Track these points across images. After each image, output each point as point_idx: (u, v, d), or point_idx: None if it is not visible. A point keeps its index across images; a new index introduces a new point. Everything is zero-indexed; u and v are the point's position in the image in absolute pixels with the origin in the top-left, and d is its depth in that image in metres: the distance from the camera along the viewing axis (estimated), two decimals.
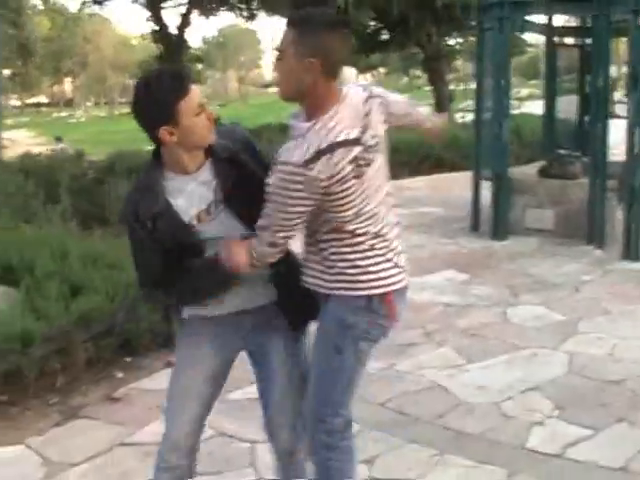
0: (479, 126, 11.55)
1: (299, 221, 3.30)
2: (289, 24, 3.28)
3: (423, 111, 3.97)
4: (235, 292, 3.55)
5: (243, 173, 3.47)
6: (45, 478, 4.97)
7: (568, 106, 13.08)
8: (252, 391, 5.80)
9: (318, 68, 3.20)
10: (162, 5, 17.88)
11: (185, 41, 19.22)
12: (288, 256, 3.54)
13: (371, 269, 3.40)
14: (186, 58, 21.33)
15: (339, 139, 3.19)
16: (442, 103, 24.43)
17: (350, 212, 3.31)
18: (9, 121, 65.65)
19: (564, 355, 6.56)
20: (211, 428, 5.33)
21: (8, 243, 7.81)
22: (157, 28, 18.41)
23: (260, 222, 3.33)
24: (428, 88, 49.53)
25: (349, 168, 3.20)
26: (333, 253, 3.40)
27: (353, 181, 3.24)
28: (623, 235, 9.73)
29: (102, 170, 14.12)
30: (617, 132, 10.39)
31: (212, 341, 3.69)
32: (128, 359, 6.82)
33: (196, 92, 3.36)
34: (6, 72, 59.44)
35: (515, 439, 5.15)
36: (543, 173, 10.97)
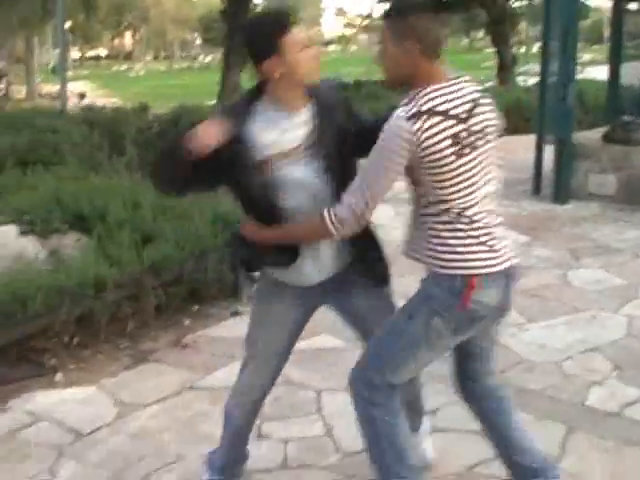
0: (544, 89, 11.53)
1: (388, 180, 3.35)
2: (383, 17, 3.43)
3: None
4: (316, 265, 3.72)
5: (340, 125, 3.57)
6: (117, 418, 5.17)
7: (633, 72, 13.03)
8: (319, 341, 6.02)
9: (416, 50, 3.29)
10: None
11: None
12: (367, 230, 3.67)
13: (459, 249, 3.40)
14: (251, 14, 21.42)
15: (439, 108, 3.26)
16: (505, 66, 24.32)
17: (447, 190, 3.35)
18: (70, 73, 66.12)
19: (623, 318, 6.63)
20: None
21: (79, 192, 7.98)
22: None
23: (352, 185, 3.40)
24: (489, 50, 49.09)
25: (447, 142, 3.26)
26: (430, 228, 3.45)
27: (452, 157, 3.28)
28: None
29: (166, 123, 14.27)
30: None
31: (294, 296, 3.83)
32: (195, 307, 7.01)
33: (298, 29, 3.48)
34: (67, 24, 59.89)
35: (574, 397, 5.27)
36: (606, 138, 10.96)
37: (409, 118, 3.22)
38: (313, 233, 3.55)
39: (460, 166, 3.31)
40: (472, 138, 3.31)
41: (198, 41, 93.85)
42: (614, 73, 13.01)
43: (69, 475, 4.55)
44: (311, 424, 5.00)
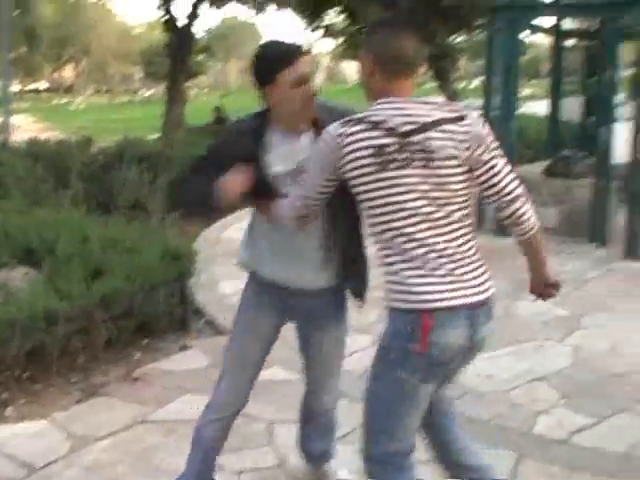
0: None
1: (316, 181, 3.42)
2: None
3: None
4: (279, 260, 3.88)
5: None
6: (71, 451, 5.15)
7: (572, 107, 13.31)
8: (271, 373, 6.06)
9: (371, 64, 3.31)
10: None
11: (192, 33, 19.39)
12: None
13: (403, 281, 3.27)
14: (195, 48, 21.52)
15: (372, 119, 3.22)
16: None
17: (372, 203, 3.28)
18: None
19: (568, 348, 6.79)
20: None
21: (26, 225, 7.98)
22: (166, 18, 18.54)
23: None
24: (429, 86, 49.46)
25: (369, 151, 3.19)
26: (379, 255, 3.38)
27: (372, 168, 3.20)
28: (625, 235, 9.94)
29: (111, 157, 14.23)
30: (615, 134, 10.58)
31: (271, 306, 4.04)
32: (145, 341, 7.02)
33: (301, 66, 3.58)
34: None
35: (523, 425, 5.38)
36: (548, 172, 11.18)
37: (340, 124, 3.26)
38: (272, 210, 3.71)
39: (382, 179, 3.21)
40: (405, 155, 3.18)
41: (139, 75, 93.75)
42: (554, 108, 13.27)
43: None
44: (264, 455, 5.04)
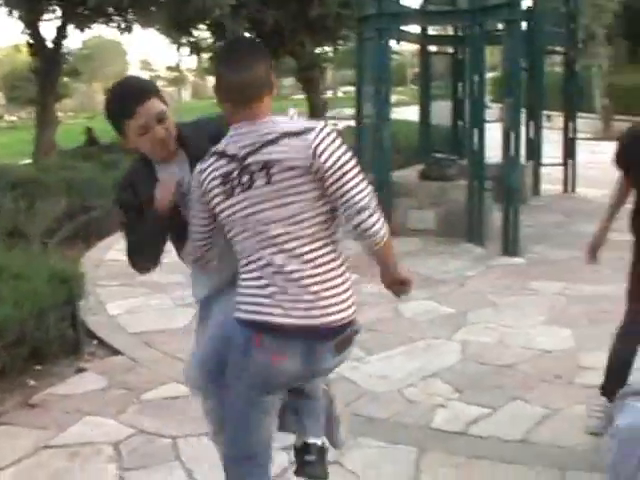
0: (360, 132, 11.95)
1: (195, 221, 3.57)
2: None
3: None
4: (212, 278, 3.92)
5: None
6: None
7: (440, 112, 13.64)
8: (166, 390, 6.12)
9: (218, 92, 3.38)
10: (39, 17, 17.77)
11: (62, 54, 19.12)
12: None
13: (241, 291, 3.43)
14: (64, 71, 21.22)
15: (219, 148, 3.37)
16: (317, 111, 24.89)
17: (230, 234, 3.44)
18: None
19: (457, 344, 6.99)
20: (131, 427, 5.59)
21: None
22: (32, 41, 18.29)
23: None
24: (297, 97, 49.71)
25: (217, 182, 3.34)
26: None
27: (221, 197, 3.35)
28: (501, 233, 10.25)
29: None
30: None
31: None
32: (38, 367, 6.95)
33: (142, 117, 3.64)
34: None
35: (421, 420, 5.54)
36: (423, 176, 11.46)
37: (201, 160, 3.44)
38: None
39: (232, 205, 3.33)
40: (246, 177, 3.28)
41: (1, 100, 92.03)
42: (424, 113, 13.59)
43: None
44: (172, 471, 5.06)
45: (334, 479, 4.72)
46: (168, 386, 6.19)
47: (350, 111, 35.70)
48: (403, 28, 12.56)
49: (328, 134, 3.26)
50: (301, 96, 31.41)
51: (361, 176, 3.32)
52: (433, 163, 11.64)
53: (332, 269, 3.42)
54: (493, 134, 10.97)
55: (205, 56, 29.28)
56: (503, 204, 10.32)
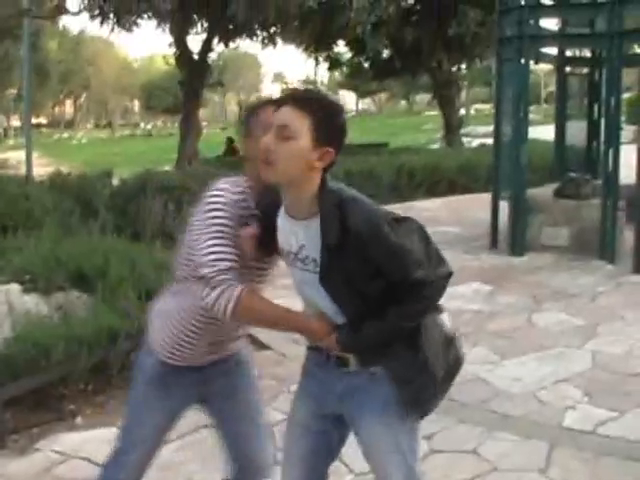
0: (498, 150, 12.31)
1: None
2: None
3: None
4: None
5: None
6: None
7: (574, 132, 13.88)
8: None
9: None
10: (188, 31, 18.65)
11: (208, 66, 19.94)
12: None
13: None
14: (209, 83, 22.09)
15: None
16: (452, 128, 25.28)
17: None
18: (11, 142, 66.02)
19: (587, 353, 7.36)
20: (283, 413, 6.07)
21: (76, 251, 8.50)
22: (179, 52, 19.13)
23: None
24: (428, 113, 50.13)
25: None
26: None
27: None
28: (633, 251, 10.51)
29: (133, 188, 14.73)
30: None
31: None
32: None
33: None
34: (12, 92, 60.14)
35: (552, 420, 5.94)
36: (558, 194, 11.77)
37: None
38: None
39: None
40: None
41: (138, 109, 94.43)
42: (559, 132, 13.86)
43: None
44: None
45: (470, 466, 5.21)
46: None
47: (482, 129, 36.00)
48: (541, 49, 12.89)
49: (209, 195, 3.31)
50: (433, 113, 31.76)
51: (210, 243, 3.23)
52: (568, 181, 11.93)
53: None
54: (627, 156, 11.22)
55: (339, 71, 29.99)
56: (635, 223, 10.56)
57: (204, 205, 3.28)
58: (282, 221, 3.19)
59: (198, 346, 3.61)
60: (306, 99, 3.03)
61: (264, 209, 3.29)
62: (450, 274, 3.09)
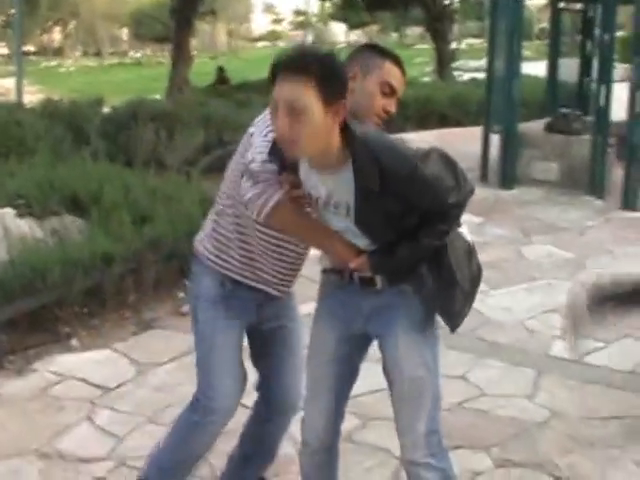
0: (491, 84, 12.32)
1: None
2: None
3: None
4: None
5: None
6: (137, 375, 5.80)
7: (567, 68, 13.88)
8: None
9: None
10: None
11: None
12: None
13: None
14: (200, 11, 21.92)
15: None
16: (444, 62, 25.23)
17: None
18: None
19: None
20: None
21: (70, 176, 8.53)
22: None
23: None
24: (419, 47, 49.84)
25: None
26: None
27: None
28: (622, 187, 10.61)
29: (124, 116, 14.70)
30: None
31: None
32: (187, 282, 7.62)
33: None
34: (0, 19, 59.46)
35: (540, 348, 6.09)
36: (549, 129, 11.82)
37: None
38: None
39: None
40: None
41: (127, 37, 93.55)
42: (552, 68, 13.85)
43: (106, 421, 5.16)
44: None
45: (459, 391, 5.34)
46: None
47: (474, 63, 35.87)
48: None
49: None
50: (424, 46, 31.63)
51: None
52: (559, 117, 11.97)
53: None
54: (618, 94, 11.25)
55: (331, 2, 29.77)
56: (625, 160, 10.64)
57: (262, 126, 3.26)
58: (305, 173, 3.15)
59: (258, 263, 3.59)
60: (302, 65, 2.89)
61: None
62: (473, 190, 3.13)
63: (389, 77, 3.32)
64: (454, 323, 3.31)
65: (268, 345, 3.86)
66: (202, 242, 3.71)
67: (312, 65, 2.88)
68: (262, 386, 3.97)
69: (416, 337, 3.29)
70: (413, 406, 3.33)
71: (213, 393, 3.71)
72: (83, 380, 5.73)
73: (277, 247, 3.50)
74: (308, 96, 2.86)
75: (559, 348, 6.07)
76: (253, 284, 3.61)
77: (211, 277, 3.62)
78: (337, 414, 3.55)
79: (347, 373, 3.50)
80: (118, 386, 5.64)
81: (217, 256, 3.60)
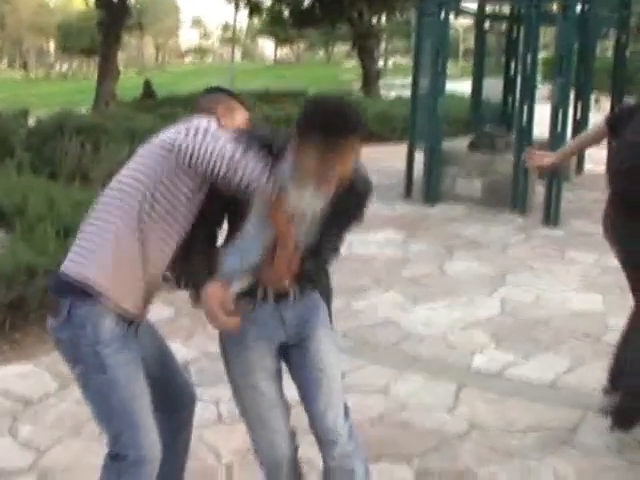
0: (415, 101, 12.49)
1: None
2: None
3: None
4: None
5: None
6: (60, 388, 5.71)
7: (491, 87, 14.12)
8: None
9: None
10: None
11: (128, 8, 19.76)
12: None
13: None
14: (127, 25, 21.84)
15: None
16: (370, 79, 25.42)
17: None
18: None
19: (496, 301, 7.60)
20: (198, 351, 6.20)
21: None
22: None
23: None
24: (347, 64, 50.13)
25: None
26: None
27: None
28: (544, 205, 10.80)
29: (50, 128, 14.58)
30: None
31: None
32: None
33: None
34: None
35: (461, 362, 6.17)
36: (472, 146, 12.00)
37: None
38: None
39: None
40: None
41: (53, 49, 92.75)
42: (476, 87, 14.09)
43: (28, 435, 5.10)
44: None
45: (379, 405, 5.41)
46: None
47: (399, 81, 36.17)
48: (462, 4, 13.08)
49: None
50: (352, 63, 31.82)
51: None
52: (482, 135, 12.16)
53: None
54: (541, 113, 11.46)
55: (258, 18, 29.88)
56: (547, 178, 10.84)
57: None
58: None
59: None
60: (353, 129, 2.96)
61: None
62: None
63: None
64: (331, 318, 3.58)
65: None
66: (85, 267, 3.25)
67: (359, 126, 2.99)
68: None
69: (330, 332, 3.53)
70: (336, 391, 3.51)
71: (143, 441, 3.38)
72: (5, 393, 5.67)
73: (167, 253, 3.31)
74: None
75: (480, 362, 6.16)
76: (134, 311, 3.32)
77: (110, 316, 3.25)
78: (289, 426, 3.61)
79: (281, 385, 3.56)
80: (41, 399, 5.59)
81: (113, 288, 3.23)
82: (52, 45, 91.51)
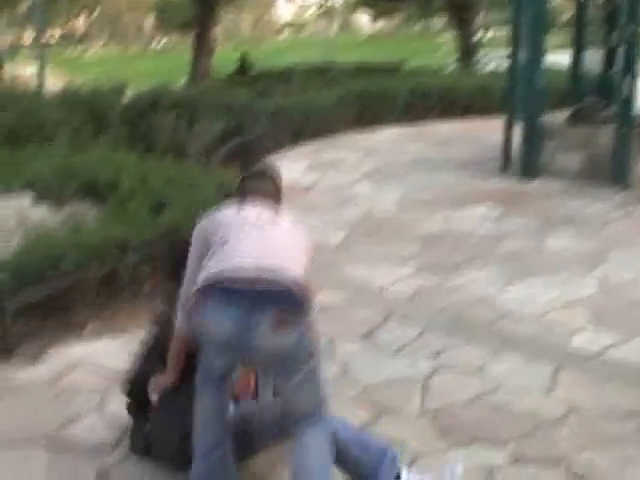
0: (514, 73, 12.18)
1: None
2: None
3: None
4: None
5: None
6: None
7: (591, 59, 13.74)
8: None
9: None
10: None
11: None
12: None
13: None
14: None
15: None
16: (468, 51, 24.98)
17: None
18: (22, 57, 65.33)
19: (596, 279, 7.35)
20: None
21: (88, 163, 8.50)
22: None
23: None
24: (445, 36, 49.42)
25: None
26: None
27: None
28: None
29: (146, 103, 14.63)
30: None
31: None
32: None
33: None
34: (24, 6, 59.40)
35: (559, 343, 5.98)
36: (571, 120, 11.67)
37: None
38: None
39: None
40: None
41: (150, 25, 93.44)
42: (576, 59, 13.70)
43: (117, 410, 5.03)
44: (329, 366, 5.55)
45: (473, 386, 5.26)
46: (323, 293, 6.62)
47: (498, 53, 35.45)
48: None
49: None
50: (449, 35, 31.32)
51: None
52: (582, 108, 11.82)
53: None
54: None
55: None
56: None
57: None
58: None
59: None
60: None
61: None
62: None
63: None
64: None
65: None
66: None
67: None
68: None
69: None
70: None
71: None
72: (96, 369, 5.67)
73: None
74: None
75: (578, 343, 5.97)
76: None
77: None
78: None
79: None
80: None
81: None
82: (149, 21, 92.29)
